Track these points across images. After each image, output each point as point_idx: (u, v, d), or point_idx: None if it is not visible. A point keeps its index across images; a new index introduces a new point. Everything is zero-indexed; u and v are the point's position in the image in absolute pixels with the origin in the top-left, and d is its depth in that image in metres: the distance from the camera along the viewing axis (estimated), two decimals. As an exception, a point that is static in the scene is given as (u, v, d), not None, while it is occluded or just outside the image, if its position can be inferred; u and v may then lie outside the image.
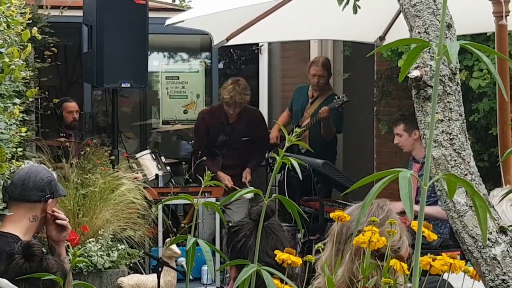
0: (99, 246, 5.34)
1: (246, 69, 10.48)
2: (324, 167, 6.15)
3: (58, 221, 3.45)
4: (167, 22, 5.77)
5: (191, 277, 5.68)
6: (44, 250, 2.84)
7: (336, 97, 7.23)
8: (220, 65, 10.33)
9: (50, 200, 3.48)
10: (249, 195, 6.63)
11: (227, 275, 5.80)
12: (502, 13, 3.94)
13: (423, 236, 1.95)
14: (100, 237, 5.43)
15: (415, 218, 1.98)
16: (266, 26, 5.69)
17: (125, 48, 6.40)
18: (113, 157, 6.32)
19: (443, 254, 1.85)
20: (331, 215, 2.13)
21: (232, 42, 5.96)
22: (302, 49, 9.10)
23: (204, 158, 6.61)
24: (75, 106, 8.03)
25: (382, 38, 5.86)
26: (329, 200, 6.69)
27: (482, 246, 1.51)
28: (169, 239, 5.08)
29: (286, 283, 1.77)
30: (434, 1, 1.69)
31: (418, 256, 1.05)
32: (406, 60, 1.11)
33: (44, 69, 7.07)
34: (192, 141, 7.76)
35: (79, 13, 6.97)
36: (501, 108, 4.07)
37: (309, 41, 8.84)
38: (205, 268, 6.17)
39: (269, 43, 9.40)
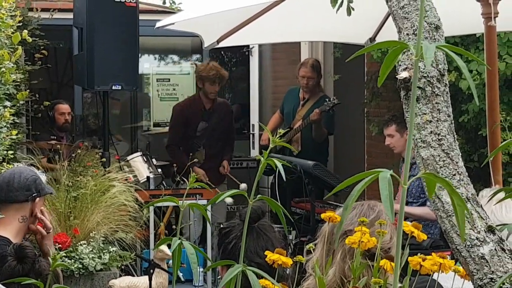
0: (91, 249, 5.34)
1: (237, 71, 10.49)
2: (315, 169, 6.16)
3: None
4: (158, 24, 5.77)
5: (183, 279, 5.69)
6: (37, 253, 2.85)
7: (327, 100, 7.25)
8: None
9: (37, 199, 3.47)
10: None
11: (218, 277, 5.80)
12: (491, 14, 3.95)
13: (413, 236, 1.96)
14: (91, 240, 5.43)
15: (405, 219, 1.99)
16: (257, 28, 5.70)
17: (116, 50, 6.40)
18: (104, 160, 6.32)
19: (433, 254, 1.86)
20: (322, 215, 2.14)
21: (222, 44, 5.97)
22: (292, 51, 9.11)
23: (196, 160, 6.70)
24: (68, 108, 8.02)
25: (372, 39, 5.88)
26: (320, 201, 6.70)
27: (470, 245, 1.52)
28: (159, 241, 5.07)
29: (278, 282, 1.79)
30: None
31: (399, 252, 1.05)
32: (384, 63, 1.12)
33: (34, 72, 7.06)
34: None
35: (70, 15, 6.97)
36: (490, 109, 4.09)
37: (299, 43, 8.85)
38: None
39: (260, 45, 9.41)
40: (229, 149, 7.58)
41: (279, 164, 1.37)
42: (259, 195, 1.48)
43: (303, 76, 7.48)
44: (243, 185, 6.95)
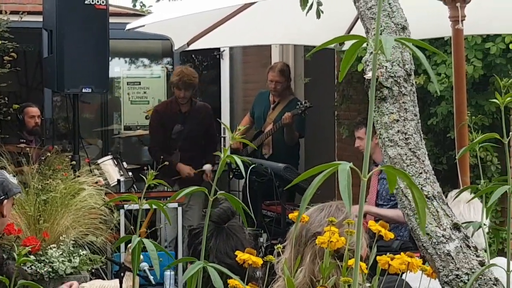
0: (61, 252, 5.30)
1: (208, 74, 10.49)
2: (286, 171, 6.19)
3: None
4: (128, 26, 5.76)
5: (153, 282, 5.67)
6: (4, 256, 2.83)
7: (299, 103, 7.27)
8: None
9: (5, 201, 3.45)
10: (208, 167, 6.75)
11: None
12: (458, 17, 4.00)
13: (382, 237, 1.98)
14: (61, 243, 5.39)
15: (376, 221, 2.01)
16: (227, 30, 5.71)
17: (86, 53, 6.37)
18: (74, 163, 6.29)
19: (402, 253, 1.88)
20: (290, 216, 2.15)
21: (193, 46, 5.97)
22: (263, 54, 9.14)
23: (166, 163, 6.66)
24: (37, 111, 7.98)
25: (341, 42, 5.92)
26: (291, 204, 6.72)
27: (436, 243, 1.54)
28: (130, 244, 5.06)
29: (246, 284, 1.79)
30: (389, 4, 1.73)
31: (359, 240, 1.06)
32: (345, 58, 1.14)
33: (3, 75, 7.01)
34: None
35: (39, 18, 6.93)
36: (458, 112, 4.13)
37: (270, 46, 8.88)
38: (167, 273, 6.16)
39: (231, 48, 9.42)
40: (211, 152, 7.44)
41: (239, 161, 1.38)
42: (222, 191, 1.48)
43: (271, 80, 7.51)
44: (207, 166, 6.97)
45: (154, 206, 1.53)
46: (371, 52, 1.65)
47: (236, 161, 1.38)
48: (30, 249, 5.11)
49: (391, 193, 1.70)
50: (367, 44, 1.18)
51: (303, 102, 7.28)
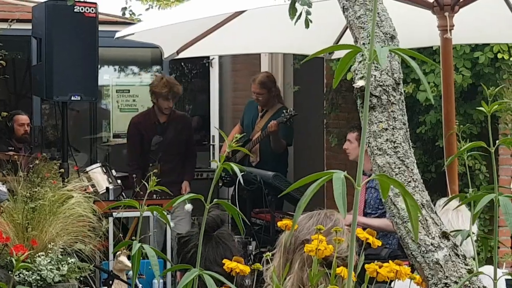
0: (49, 260, 5.28)
1: (197, 83, 10.49)
2: (275, 179, 6.19)
3: None
4: (117, 34, 5.76)
5: (142, 291, 5.66)
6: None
7: (284, 111, 7.28)
8: (171, 79, 10.33)
9: None
10: (189, 207, 6.68)
11: None
12: (446, 27, 4.02)
13: (370, 245, 1.98)
14: (49, 251, 5.37)
15: (364, 229, 2.02)
16: (217, 39, 5.72)
17: (75, 61, 6.36)
18: (62, 170, 6.27)
19: (390, 261, 1.88)
20: (279, 223, 2.15)
21: (182, 55, 5.97)
22: (252, 62, 9.15)
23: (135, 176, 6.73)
24: (27, 119, 7.97)
25: (331, 52, 5.93)
26: (280, 212, 6.72)
27: (425, 251, 1.55)
28: (119, 251, 5.06)
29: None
30: (378, 14, 1.74)
31: (353, 249, 1.07)
32: (339, 66, 1.15)
33: (-8, 83, 6.99)
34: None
35: (28, 26, 6.91)
36: (447, 120, 4.15)
37: (259, 54, 8.89)
38: (156, 281, 6.15)
39: (220, 57, 9.43)
40: (190, 167, 7.43)
41: (236, 169, 1.39)
42: (216, 200, 1.49)
43: (253, 92, 7.55)
44: (188, 206, 6.81)
45: (148, 213, 1.53)
46: (360, 61, 1.66)
47: (234, 168, 1.39)
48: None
49: (384, 200, 1.71)
50: (362, 55, 1.19)
51: (288, 110, 7.29)
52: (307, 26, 3.55)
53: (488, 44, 5.89)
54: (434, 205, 2.90)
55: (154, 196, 6.44)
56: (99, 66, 6.88)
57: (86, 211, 5.70)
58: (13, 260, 4.97)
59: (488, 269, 2.98)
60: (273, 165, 7.03)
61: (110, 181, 6.90)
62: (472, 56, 5.94)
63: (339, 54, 6.11)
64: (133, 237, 6.58)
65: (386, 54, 1.04)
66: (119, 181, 7.04)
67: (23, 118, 7.94)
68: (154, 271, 1.48)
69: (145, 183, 1.70)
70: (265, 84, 7.49)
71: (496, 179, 1.49)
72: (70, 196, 5.79)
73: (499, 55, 5.87)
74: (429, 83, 5.98)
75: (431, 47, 5.88)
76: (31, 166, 6.07)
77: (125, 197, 6.87)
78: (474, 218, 1.42)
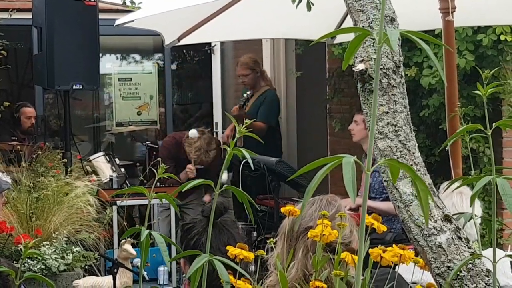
0: (54, 249, 5.29)
1: (199, 70, 10.47)
2: (278, 165, 6.17)
3: None
4: (117, 22, 5.74)
5: (147, 278, 5.67)
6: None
7: (244, 95, 7.27)
8: (173, 66, 10.31)
9: None
10: (194, 132, 6.53)
11: (183, 275, 5.79)
12: (448, 9, 4.00)
13: (375, 230, 1.97)
14: (54, 240, 5.38)
15: (369, 214, 2.01)
16: (218, 25, 5.69)
17: (76, 50, 6.35)
18: (65, 160, 6.27)
19: (394, 245, 1.88)
20: (282, 209, 2.15)
21: (184, 42, 5.94)
22: (254, 48, 9.12)
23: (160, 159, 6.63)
24: (33, 112, 7.99)
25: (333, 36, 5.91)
26: (284, 198, 6.71)
27: (427, 235, 1.54)
28: (124, 240, 5.06)
29: (239, 278, 1.79)
30: (378, -4, 1.72)
31: (363, 237, 1.06)
32: (348, 49, 1.14)
33: (-6, 73, 6.98)
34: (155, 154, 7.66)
35: (28, 15, 6.90)
36: (450, 103, 4.13)
37: (261, 40, 8.86)
38: (161, 268, 6.16)
39: (222, 43, 9.40)
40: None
41: (246, 154, 1.39)
42: (226, 186, 1.48)
43: (238, 75, 7.54)
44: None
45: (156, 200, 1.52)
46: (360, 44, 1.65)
47: (244, 154, 1.39)
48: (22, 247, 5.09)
49: (386, 184, 1.69)
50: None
51: (244, 94, 7.28)
52: (309, 9, 3.53)
53: (490, 26, 5.85)
54: (438, 188, 2.89)
55: (158, 184, 6.44)
56: (100, 55, 6.87)
57: (90, 202, 5.70)
58: (22, 247, 4.99)
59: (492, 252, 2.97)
60: (259, 150, 6.86)
61: (114, 169, 6.90)
62: (475, 39, 5.91)
63: (341, 38, 6.09)
64: (137, 225, 6.58)
65: (396, 37, 1.03)
66: (122, 170, 7.04)
67: (30, 111, 7.97)
68: (164, 257, 1.49)
69: (154, 170, 1.69)
70: (247, 65, 7.50)
71: (493, 161, 1.48)
72: (74, 185, 5.80)
73: (502, 37, 5.84)
74: (431, 67, 5.95)
75: (433, 30, 5.85)
76: (34, 156, 6.07)
77: (129, 185, 6.87)
78: (473, 200, 1.41)
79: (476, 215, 1.74)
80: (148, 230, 1.51)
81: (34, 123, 7.95)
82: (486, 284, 1.53)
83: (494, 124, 1.42)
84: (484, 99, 1.46)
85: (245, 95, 7.31)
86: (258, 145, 7.13)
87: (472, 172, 1.73)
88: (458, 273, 1.48)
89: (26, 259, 5.08)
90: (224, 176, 6.36)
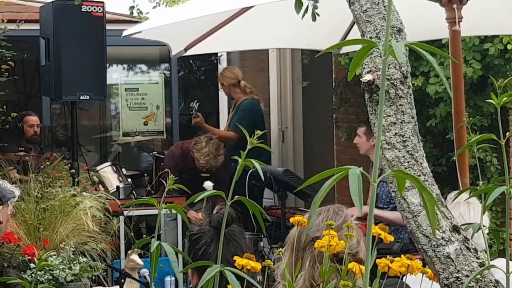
0: (61, 260, 5.30)
1: (206, 79, 10.49)
2: (285, 175, 6.18)
3: None
4: (125, 33, 5.76)
5: (154, 288, 5.66)
6: (5, 264, 2.82)
7: (191, 104, 7.27)
8: (180, 76, 10.33)
9: (0, 207, 3.45)
10: (209, 185, 6.52)
11: (190, 285, 5.79)
12: (455, 19, 4.00)
13: (382, 240, 1.97)
14: (61, 251, 5.39)
15: (376, 224, 2.01)
16: (224, 35, 5.71)
17: (83, 60, 6.37)
18: (73, 170, 6.28)
19: (402, 256, 1.87)
20: (291, 220, 2.14)
21: (190, 52, 5.97)
22: (260, 58, 9.14)
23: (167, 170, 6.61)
24: (37, 120, 7.99)
25: (339, 46, 5.91)
26: (291, 207, 6.71)
27: (436, 245, 1.54)
28: (131, 250, 5.06)
29: (249, 287, 1.79)
30: (385, 7, 1.73)
31: (369, 249, 1.06)
32: (354, 60, 1.14)
33: (1, 84, 7.01)
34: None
35: (36, 26, 6.92)
36: (457, 112, 4.13)
37: (267, 50, 8.88)
38: (168, 279, 6.16)
39: (228, 53, 9.42)
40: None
41: (257, 165, 1.39)
42: (237, 196, 1.49)
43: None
44: (208, 183, 6.64)
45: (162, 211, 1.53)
46: (367, 55, 1.65)
47: (255, 165, 1.39)
48: (30, 257, 5.10)
49: (394, 195, 1.69)
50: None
51: (192, 104, 7.26)
52: (314, 19, 3.53)
53: (497, 36, 5.86)
54: (445, 198, 2.89)
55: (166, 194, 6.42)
56: (107, 65, 6.88)
57: (95, 212, 5.71)
58: (28, 258, 4.99)
59: (500, 262, 2.97)
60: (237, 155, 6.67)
61: (121, 179, 6.91)
62: (482, 48, 5.91)
63: (347, 48, 6.10)
64: (143, 235, 6.58)
65: (402, 49, 1.03)
66: (129, 180, 7.04)
67: (33, 119, 7.95)
68: (173, 268, 1.49)
69: (163, 181, 1.70)
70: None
71: (507, 171, 1.47)
72: (81, 195, 5.81)
73: (509, 46, 5.84)
74: (438, 76, 5.95)
75: (440, 40, 5.85)
76: (41, 166, 6.08)
77: (135, 195, 6.87)
78: (485, 210, 1.41)
79: (484, 225, 1.74)
80: (158, 242, 1.51)
81: (38, 131, 7.96)
82: (494, 294, 1.52)
83: (507, 133, 1.42)
84: (498, 108, 1.46)
85: (192, 104, 7.28)
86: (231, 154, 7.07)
87: (480, 182, 1.73)
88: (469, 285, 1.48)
89: (33, 269, 5.09)
90: (209, 184, 6.34)
